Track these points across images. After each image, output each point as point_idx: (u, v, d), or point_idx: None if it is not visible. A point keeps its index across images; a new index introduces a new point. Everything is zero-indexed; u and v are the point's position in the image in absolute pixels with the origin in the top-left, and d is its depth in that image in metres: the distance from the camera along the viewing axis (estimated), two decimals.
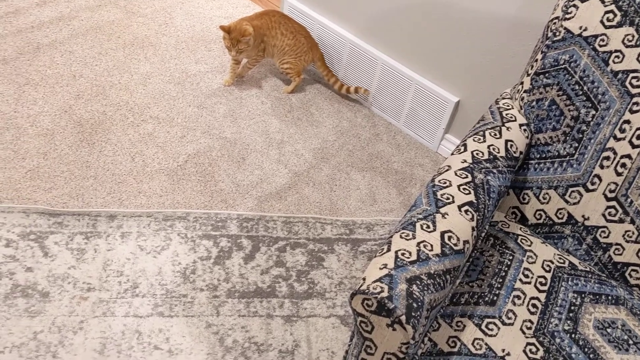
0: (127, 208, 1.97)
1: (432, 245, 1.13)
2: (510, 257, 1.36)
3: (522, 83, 1.53)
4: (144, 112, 2.32)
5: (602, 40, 1.38)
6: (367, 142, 2.38)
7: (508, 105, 1.52)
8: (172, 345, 1.64)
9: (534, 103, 1.48)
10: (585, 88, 1.40)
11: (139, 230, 1.91)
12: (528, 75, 1.49)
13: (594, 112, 1.40)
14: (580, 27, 1.39)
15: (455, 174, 1.29)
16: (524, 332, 1.22)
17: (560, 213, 1.46)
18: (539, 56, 1.46)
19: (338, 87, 2.50)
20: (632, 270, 1.41)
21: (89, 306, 1.69)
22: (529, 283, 1.31)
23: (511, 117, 1.48)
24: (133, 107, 2.33)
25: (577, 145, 1.42)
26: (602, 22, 1.37)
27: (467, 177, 1.28)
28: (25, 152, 2.08)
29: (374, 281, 1.07)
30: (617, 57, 1.37)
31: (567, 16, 1.40)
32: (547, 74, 1.44)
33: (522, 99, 1.50)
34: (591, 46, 1.39)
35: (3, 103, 2.23)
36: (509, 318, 1.24)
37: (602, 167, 1.40)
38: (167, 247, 1.88)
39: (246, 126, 2.35)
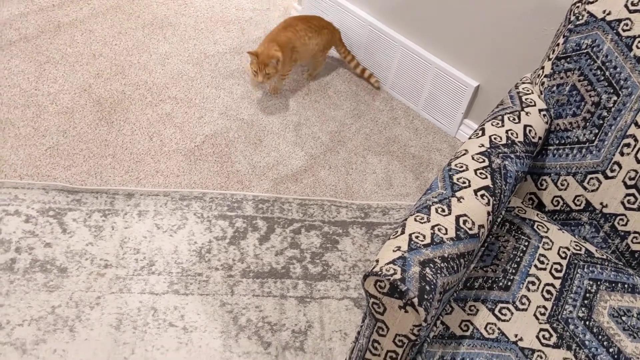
0: (144, 187, 1.99)
1: (446, 229, 1.13)
2: (526, 243, 1.35)
3: (542, 67, 1.50)
4: (162, 92, 2.33)
5: (626, 24, 1.35)
6: (384, 125, 2.37)
7: (528, 90, 1.50)
8: (186, 323, 1.67)
9: (555, 88, 1.46)
10: (607, 73, 1.38)
11: (155, 209, 1.93)
12: (549, 59, 1.47)
13: (615, 98, 1.37)
14: (604, 11, 1.36)
15: (472, 158, 1.28)
16: (537, 318, 1.22)
17: (578, 200, 1.44)
18: (561, 40, 1.44)
19: (354, 66, 2.50)
20: None
21: (105, 282, 1.72)
22: (544, 269, 1.30)
23: (531, 102, 1.46)
24: (152, 87, 2.34)
25: (597, 131, 1.40)
26: (626, 6, 1.34)
27: (484, 161, 1.27)
28: (45, 129, 2.11)
29: (387, 263, 1.07)
30: None
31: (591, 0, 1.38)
32: (568, 59, 1.42)
33: (543, 83, 1.48)
34: (614, 31, 1.36)
35: (24, 80, 2.26)
36: (523, 303, 1.23)
37: (622, 154, 1.38)
38: (183, 226, 1.90)
39: (263, 108, 2.35)
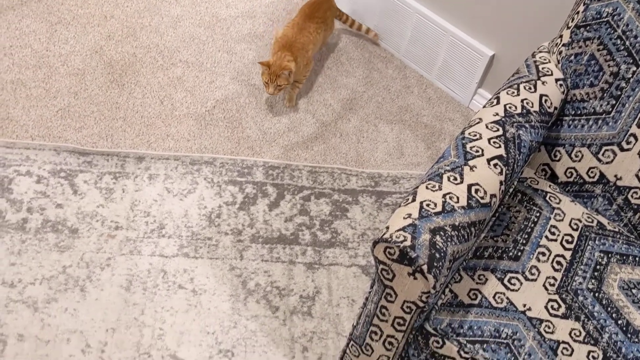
0: (155, 150, 1.99)
1: (458, 197, 1.12)
2: (538, 214, 1.34)
3: (561, 36, 1.47)
4: (173, 55, 2.31)
5: None
6: (397, 94, 2.35)
7: (545, 59, 1.47)
8: (196, 286, 1.68)
9: (572, 57, 1.43)
10: (627, 43, 1.35)
11: (166, 172, 1.93)
12: (568, 28, 1.43)
13: (634, 68, 1.34)
14: None
15: (486, 127, 1.26)
16: (546, 289, 1.21)
17: (591, 172, 1.43)
18: (581, 8, 1.40)
19: (350, 24, 2.45)
20: None
21: (116, 244, 1.73)
22: (555, 240, 1.29)
23: (547, 71, 1.43)
24: (163, 50, 2.32)
25: (614, 102, 1.38)
26: None
27: (498, 130, 1.26)
28: (56, 90, 2.10)
29: (397, 230, 1.06)
30: None
31: None
32: (588, 27, 1.39)
33: (560, 52, 1.45)
34: None
35: (36, 41, 2.24)
36: (532, 274, 1.23)
37: (639, 126, 1.35)
38: (193, 190, 1.90)
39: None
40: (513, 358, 1.12)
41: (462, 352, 1.13)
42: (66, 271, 1.66)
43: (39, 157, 1.89)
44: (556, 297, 1.21)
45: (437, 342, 1.15)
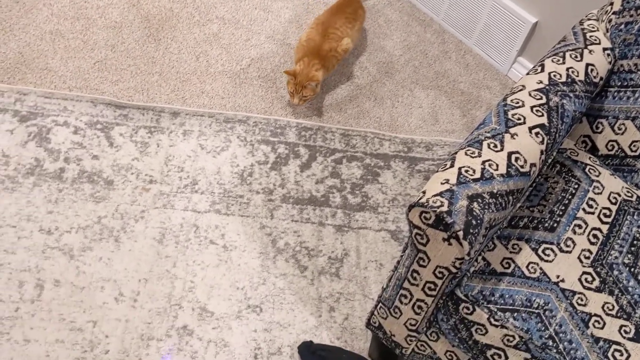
0: (189, 107, 2.00)
1: (497, 165, 1.11)
2: (576, 186, 1.32)
3: (611, 4, 1.42)
4: (210, 11, 2.29)
5: None
6: (434, 59, 2.31)
7: (593, 27, 1.42)
8: (227, 242, 1.70)
9: (622, 26, 1.38)
10: None
11: (200, 129, 1.94)
12: None
13: None
14: None
15: (529, 95, 1.23)
16: (581, 261, 1.20)
17: (634, 146, 1.39)
18: None
19: None
20: None
21: (150, 197, 1.76)
22: (592, 213, 1.27)
23: (595, 40, 1.39)
24: (199, 5, 2.30)
25: None
26: None
27: (541, 98, 1.23)
28: (94, 43, 2.11)
29: (434, 195, 1.06)
30: None
31: None
32: None
33: (610, 21, 1.40)
34: None
35: None
36: (568, 246, 1.22)
37: None
38: (226, 148, 1.91)
39: None
40: (543, 328, 1.11)
41: (492, 320, 1.13)
42: (101, 221, 1.69)
43: (76, 108, 1.92)
44: (590, 270, 1.20)
45: (468, 308, 1.15)
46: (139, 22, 2.20)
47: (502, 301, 1.14)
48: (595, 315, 1.14)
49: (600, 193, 1.32)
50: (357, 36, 2.17)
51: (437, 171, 1.12)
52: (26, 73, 1.98)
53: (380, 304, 1.30)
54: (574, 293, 1.16)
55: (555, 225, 1.24)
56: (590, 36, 1.39)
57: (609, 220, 1.27)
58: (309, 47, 2.02)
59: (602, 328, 1.13)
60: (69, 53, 2.06)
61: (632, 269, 1.21)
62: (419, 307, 1.20)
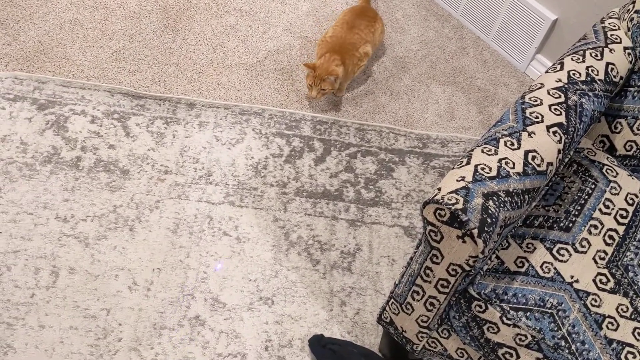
0: (206, 98, 2.00)
1: (514, 163, 1.10)
2: (593, 186, 1.31)
3: (633, 2, 1.40)
4: (227, 3, 2.30)
5: None
6: (452, 54, 2.29)
7: (614, 26, 1.41)
8: (240, 233, 1.71)
9: None
10: None
11: (215, 121, 1.95)
12: None
13: None
14: None
15: (548, 93, 1.22)
16: (596, 262, 1.19)
17: None
18: None
19: None
20: None
21: (165, 188, 1.77)
22: (609, 214, 1.26)
23: (616, 39, 1.37)
24: None
25: None
26: None
27: (560, 97, 1.22)
28: (112, 32, 2.12)
29: (450, 192, 1.05)
30: None
31: None
32: None
33: (632, 19, 1.39)
34: None
35: None
36: (583, 246, 1.21)
37: None
38: (241, 140, 1.92)
39: (327, 26, 2.30)
40: (556, 328, 1.11)
41: (504, 318, 1.12)
42: (116, 210, 1.70)
43: (93, 97, 1.93)
44: (605, 271, 1.19)
45: (480, 306, 1.14)
46: (157, 12, 2.21)
47: (515, 300, 1.13)
48: (609, 316, 1.14)
49: (618, 194, 1.30)
50: (377, 43, 2.16)
51: (453, 168, 1.11)
52: (45, 62, 2.00)
53: (392, 300, 1.30)
54: (588, 294, 1.15)
55: (570, 225, 1.24)
56: (611, 35, 1.38)
57: (626, 221, 1.26)
58: (333, 43, 2.01)
59: (615, 330, 1.12)
60: (88, 42, 2.08)
61: None
62: (431, 304, 1.20)
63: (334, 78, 1.93)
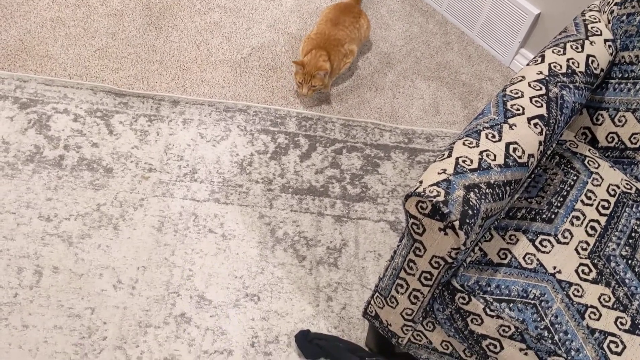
0: (190, 95, 1.99)
1: (495, 155, 1.10)
2: (575, 178, 1.31)
3: None
4: (211, 0, 2.29)
5: None
6: (436, 50, 2.30)
7: (595, 18, 1.41)
8: (225, 231, 1.70)
9: (624, 17, 1.37)
10: None
11: (200, 118, 1.94)
12: None
13: None
14: None
15: (529, 85, 1.23)
16: (578, 253, 1.20)
17: (634, 138, 1.39)
18: None
19: None
20: None
21: (149, 185, 1.76)
22: (591, 205, 1.27)
23: (596, 31, 1.38)
24: None
25: None
26: None
27: (541, 89, 1.22)
28: (94, 30, 2.11)
29: (431, 185, 1.05)
30: None
31: None
32: None
33: (612, 12, 1.39)
34: None
35: None
36: (565, 237, 1.22)
37: None
38: (226, 137, 1.91)
39: (312, 23, 2.29)
40: (539, 318, 1.11)
41: (487, 310, 1.13)
42: (100, 209, 1.69)
43: (76, 95, 1.92)
44: (587, 261, 1.19)
45: (463, 298, 1.15)
46: (140, 10, 2.20)
47: (498, 292, 1.14)
48: (592, 306, 1.14)
49: (599, 185, 1.31)
50: (363, 39, 2.16)
51: (435, 161, 1.11)
52: (26, 60, 1.98)
53: (377, 294, 1.30)
54: (571, 284, 1.16)
55: (553, 216, 1.24)
56: (592, 27, 1.38)
57: (607, 212, 1.27)
58: (318, 39, 2.01)
59: (598, 319, 1.13)
60: (70, 40, 2.06)
61: (629, 261, 1.20)
62: (415, 297, 1.20)
63: (323, 73, 1.93)
